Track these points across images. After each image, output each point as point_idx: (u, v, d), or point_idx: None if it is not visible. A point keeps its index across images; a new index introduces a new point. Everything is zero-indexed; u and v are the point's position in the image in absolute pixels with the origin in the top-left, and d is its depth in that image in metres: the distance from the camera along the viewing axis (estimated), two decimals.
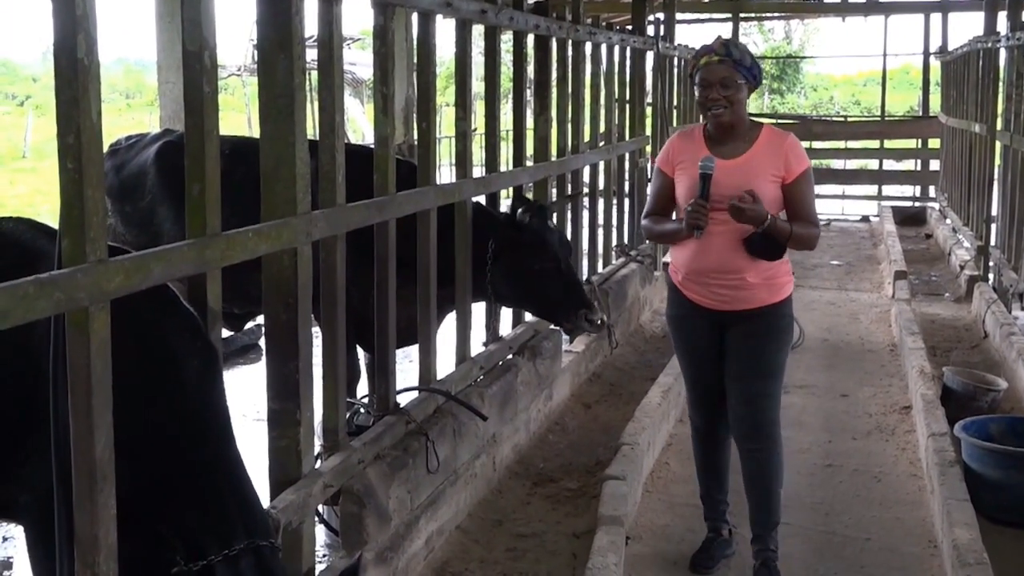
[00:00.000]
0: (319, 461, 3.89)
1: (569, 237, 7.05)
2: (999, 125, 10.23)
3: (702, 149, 4.27)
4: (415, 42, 5.01)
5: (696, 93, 4.26)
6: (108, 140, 2.56)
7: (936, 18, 17.46)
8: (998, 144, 10.25)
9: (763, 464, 4.36)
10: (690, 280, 4.35)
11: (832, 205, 17.09)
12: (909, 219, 15.42)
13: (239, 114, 24.69)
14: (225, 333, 6.09)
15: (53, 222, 2.59)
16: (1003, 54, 10.14)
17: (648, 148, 10.05)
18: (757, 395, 4.31)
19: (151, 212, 5.51)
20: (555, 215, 6.83)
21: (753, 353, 4.31)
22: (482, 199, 5.61)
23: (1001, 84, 10.27)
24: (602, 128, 8.53)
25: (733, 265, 4.21)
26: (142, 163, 5.65)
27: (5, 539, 4.85)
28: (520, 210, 5.28)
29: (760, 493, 4.40)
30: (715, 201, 4.11)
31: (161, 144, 5.65)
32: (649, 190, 4.62)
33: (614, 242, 8.93)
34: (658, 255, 9.97)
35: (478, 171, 5.72)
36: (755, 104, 23.23)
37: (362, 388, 5.51)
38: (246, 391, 6.40)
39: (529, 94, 6.89)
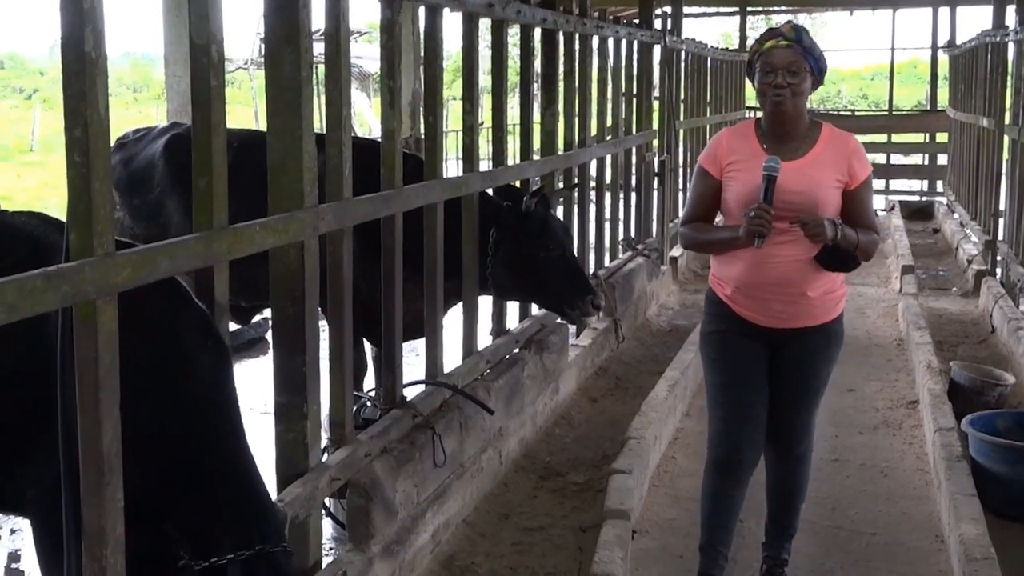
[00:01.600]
0: (326, 454, 3.90)
1: (576, 231, 7.07)
2: (1007, 119, 10.21)
3: (757, 149, 3.88)
4: (422, 36, 5.00)
5: (755, 80, 3.86)
6: (115, 133, 2.56)
7: (944, 12, 17.41)
8: (1006, 138, 10.22)
9: (792, 480, 4.20)
10: (742, 294, 3.95)
11: None
12: (917, 213, 15.39)
13: (246, 108, 24.71)
14: (232, 326, 6.11)
15: (61, 216, 2.60)
16: (1012, 48, 10.11)
17: (655, 142, 10.04)
18: (805, 416, 4.09)
19: (160, 205, 5.52)
20: (559, 206, 6.83)
21: (807, 375, 4.02)
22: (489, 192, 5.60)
23: (1009, 78, 10.23)
24: (609, 122, 8.52)
25: (794, 278, 3.85)
26: (151, 156, 5.66)
27: (13, 531, 4.86)
28: (526, 197, 5.27)
29: (782, 506, 4.26)
30: (776, 208, 3.74)
31: (170, 137, 5.66)
32: (689, 193, 4.17)
33: (621, 236, 8.92)
34: (665, 249, 9.97)
35: (485, 165, 5.72)
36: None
37: (369, 382, 5.51)
38: (253, 384, 6.41)
39: (536, 88, 6.88)
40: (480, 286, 5.36)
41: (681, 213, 4.20)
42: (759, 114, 4.01)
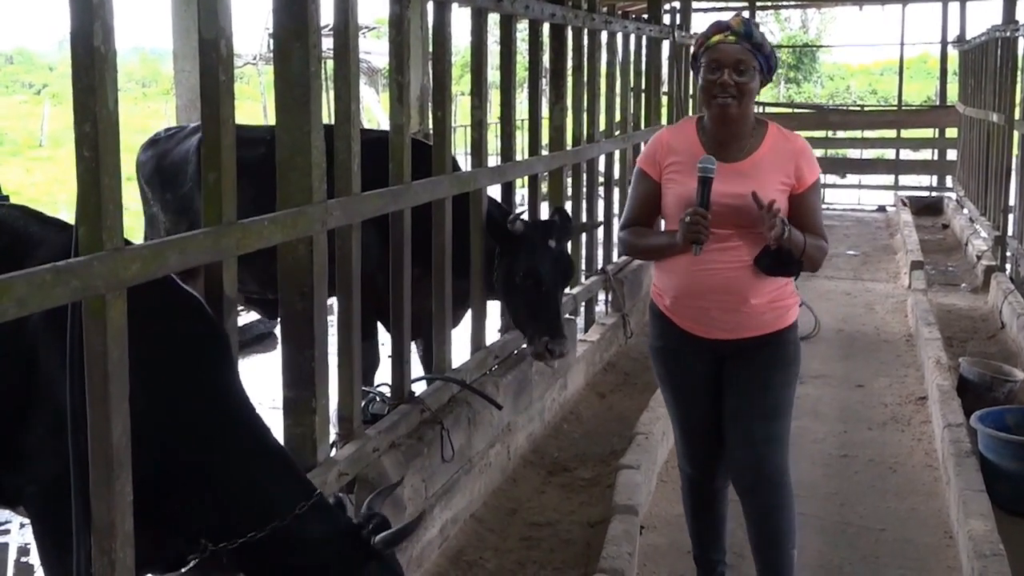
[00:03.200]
0: (334, 449, 3.91)
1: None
2: (1017, 114, 10.19)
3: (697, 148, 3.60)
4: (430, 31, 5.00)
5: (700, 77, 3.58)
6: (124, 129, 2.56)
7: (954, 7, 17.36)
8: (1016, 133, 10.21)
9: (772, 523, 3.76)
10: (682, 305, 3.70)
11: (848, 195, 17.04)
12: (926, 209, 15.35)
13: (255, 103, 24.71)
14: (244, 320, 6.11)
15: (70, 211, 2.60)
16: (1022, 43, 10.10)
17: None
18: (762, 439, 3.68)
19: (191, 199, 5.61)
20: (567, 201, 6.82)
21: (757, 388, 3.69)
22: (496, 190, 5.60)
23: (1019, 73, 10.23)
24: (617, 117, 8.52)
25: (735, 286, 3.59)
26: (184, 152, 5.78)
27: (23, 525, 4.88)
28: (511, 217, 5.09)
29: (769, 557, 3.80)
30: (715, 212, 3.48)
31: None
32: (628, 195, 3.88)
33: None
34: None
35: (493, 160, 5.72)
36: (770, 93, 23.16)
37: (383, 375, 5.51)
38: (262, 379, 6.41)
39: (544, 83, 6.87)
40: (488, 291, 5.36)
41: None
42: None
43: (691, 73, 11.12)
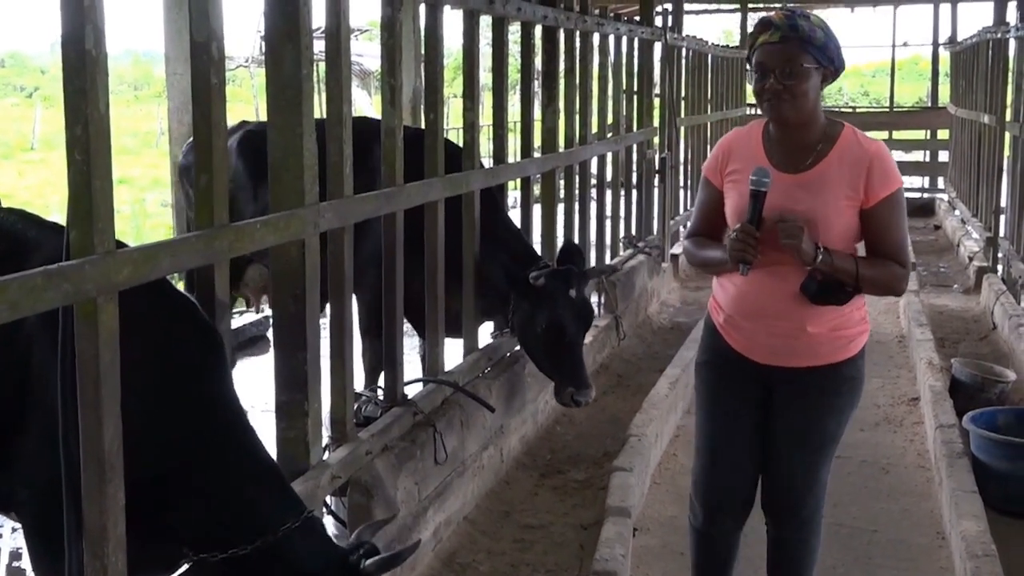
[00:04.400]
0: (327, 452, 3.90)
1: (577, 229, 7.07)
2: (1008, 116, 10.21)
3: (759, 155, 3.30)
4: (423, 33, 5.01)
5: (751, 81, 3.29)
6: (116, 132, 2.56)
7: (946, 8, 17.39)
8: (1007, 135, 10.23)
9: (797, 556, 3.57)
10: (733, 325, 3.41)
11: None
12: (918, 210, 15.36)
13: (247, 105, 24.69)
14: (234, 323, 6.11)
15: (62, 214, 2.60)
16: (1013, 44, 10.11)
17: (656, 139, 10.03)
18: (804, 483, 3.46)
19: (231, 197, 5.65)
20: (560, 204, 6.83)
21: (807, 423, 3.40)
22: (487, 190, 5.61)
23: (1010, 75, 10.24)
24: (610, 119, 8.52)
25: (790, 312, 3.28)
26: None
27: (15, 529, 4.86)
28: (533, 274, 5.03)
29: None
30: (767, 230, 3.17)
31: (243, 133, 5.90)
32: (695, 203, 3.66)
33: (622, 233, 8.92)
34: (666, 246, 9.96)
35: (486, 162, 5.72)
36: None
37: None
38: (255, 382, 6.40)
39: (537, 85, 6.87)
40: (501, 320, 5.41)
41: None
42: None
43: (683, 75, 11.22)
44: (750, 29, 3.46)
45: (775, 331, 3.32)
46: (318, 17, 3.71)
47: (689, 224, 3.65)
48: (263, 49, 3.72)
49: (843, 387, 3.39)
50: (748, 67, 3.32)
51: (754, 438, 3.47)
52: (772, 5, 22.60)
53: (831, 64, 3.21)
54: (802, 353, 3.33)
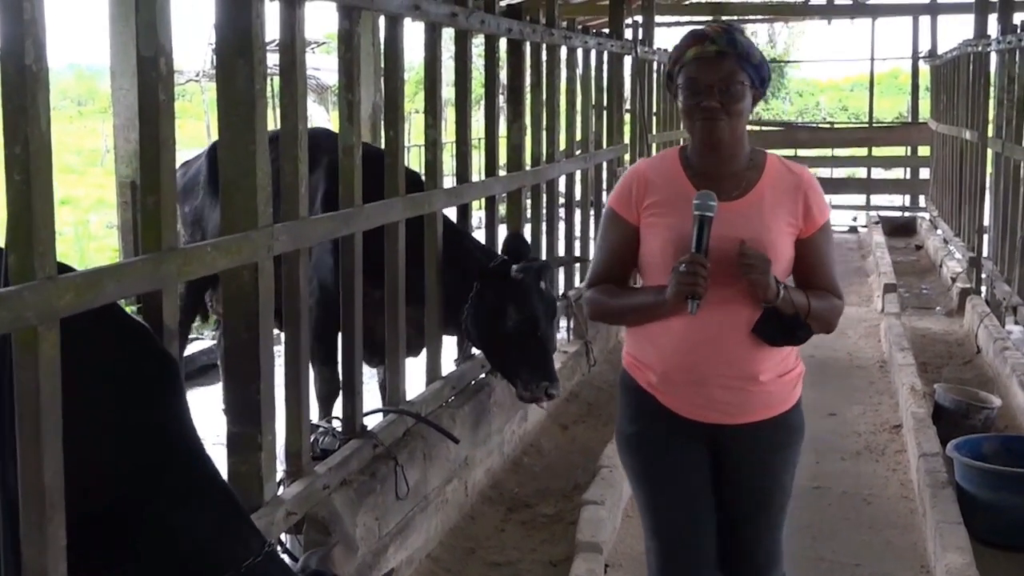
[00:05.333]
0: (282, 487, 3.88)
1: (544, 249, 7.08)
2: (990, 132, 10.33)
3: (683, 184, 3.08)
4: (382, 46, 5.01)
5: (680, 98, 3.07)
6: (58, 149, 2.56)
7: (925, 20, 17.63)
8: (990, 151, 10.34)
9: None
10: (670, 382, 3.11)
11: None
12: (899, 229, 15.52)
13: (197, 122, 24.61)
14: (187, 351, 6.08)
15: (0, 237, 2.58)
16: (994, 58, 10.24)
17: (627, 157, 10.08)
18: (767, 550, 3.26)
19: (202, 209, 5.80)
20: (527, 224, 6.84)
21: (767, 482, 3.20)
22: (452, 212, 5.61)
23: (992, 89, 10.36)
24: (578, 136, 8.55)
25: (742, 356, 3.05)
26: (200, 163, 6.04)
27: None
28: (515, 268, 5.07)
29: None
30: (712, 262, 2.93)
31: (212, 145, 5.94)
32: (597, 245, 3.33)
33: (591, 254, 8.94)
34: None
35: (449, 181, 5.73)
36: None
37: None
38: (205, 414, 6.36)
39: (502, 100, 6.90)
40: (453, 327, 5.37)
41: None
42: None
43: (654, 89, 11.28)
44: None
45: (725, 383, 3.07)
46: (272, 29, 3.72)
47: (590, 269, 3.29)
48: (214, 63, 3.72)
49: (793, 437, 3.22)
50: (671, 83, 3.12)
51: (711, 512, 3.19)
52: (746, 18, 22.82)
53: (762, 86, 3.08)
54: (754, 405, 3.11)
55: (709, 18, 18.11)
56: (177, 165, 3.41)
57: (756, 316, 3.03)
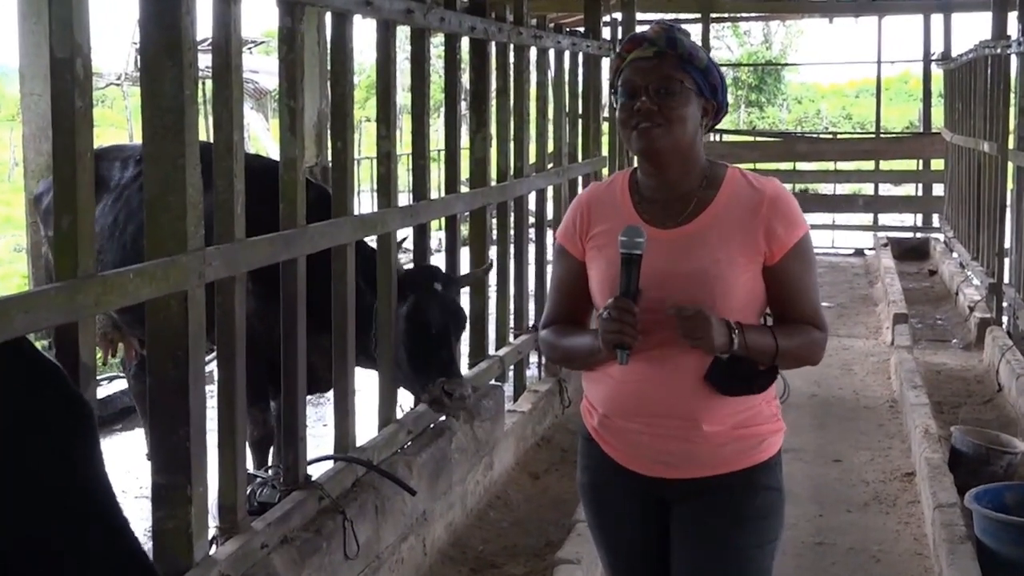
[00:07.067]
0: (214, 546, 3.86)
1: (512, 275, 7.09)
2: (1011, 143, 10.35)
3: (628, 211, 3.05)
4: (328, 47, 5.02)
5: (616, 107, 3.03)
6: None
7: (938, 19, 17.80)
8: (1010, 165, 10.38)
9: None
10: (609, 429, 3.11)
11: (820, 237, 17.30)
12: (910, 252, 15.62)
13: (119, 130, 24.54)
14: (105, 392, 6.02)
15: None
16: (1015, 61, 10.30)
17: (605, 171, 10.11)
18: None
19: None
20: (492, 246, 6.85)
21: (713, 552, 3.05)
22: (409, 231, 5.61)
23: (1013, 96, 10.43)
24: (550, 148, 8.58)
25: (680, 406, 2.99)
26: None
27: None
28: (403, 269, 5.19)
29: None
30: (648, 301, 2.88)
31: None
32: (549, 283, 3.37)
33: None
34: None
35: (404, 198, 5.73)
36: (728, 119, 23.27)
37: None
38: (126, 463, 6.32)
39: (464, 107, 6.92)
40: (364, 358, 5.31)
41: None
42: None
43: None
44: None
45: (662, 432, 3.00)
46: (204, 28, 3.72)
47: (545, 310, 3.30)
48: (138, 64, 3.72)
49: (760, 498, 3.05)
50: (612, 93, 3.07)
51: (661, 568, 3.15)
52: (738, 16, 23.05)
53: (713, 97, 3.02)
54: (700, 459, 3.02)
55: (696, 16, 18.23)
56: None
57: (698, 361, 2.96)
